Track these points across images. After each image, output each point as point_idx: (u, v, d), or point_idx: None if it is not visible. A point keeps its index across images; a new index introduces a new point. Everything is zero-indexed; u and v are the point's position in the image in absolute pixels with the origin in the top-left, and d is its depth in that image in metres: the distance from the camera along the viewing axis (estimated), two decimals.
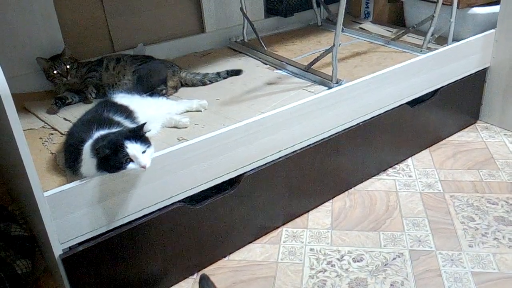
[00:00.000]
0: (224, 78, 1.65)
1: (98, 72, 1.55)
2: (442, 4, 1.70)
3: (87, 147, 1.06)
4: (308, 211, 1.51)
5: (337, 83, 1.51)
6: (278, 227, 1.45)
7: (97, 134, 1.08)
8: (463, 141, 1.85)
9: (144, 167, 1.02)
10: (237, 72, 1.67)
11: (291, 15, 2.10)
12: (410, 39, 1.90)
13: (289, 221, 1.47)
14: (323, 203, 1.55)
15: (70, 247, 1.06)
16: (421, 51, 1.76)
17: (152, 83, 1.48)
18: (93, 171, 1.04)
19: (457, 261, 1.30)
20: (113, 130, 1.10)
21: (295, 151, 1.38)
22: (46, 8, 1.56)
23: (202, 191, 1.23)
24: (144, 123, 1.07)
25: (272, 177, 1.36)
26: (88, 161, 1.04)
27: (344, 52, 1.82)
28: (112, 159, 1.01)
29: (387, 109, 1.57)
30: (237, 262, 1.33)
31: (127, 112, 1.24)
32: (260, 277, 1.28)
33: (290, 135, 1.35)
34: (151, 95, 1.43)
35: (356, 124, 1.50)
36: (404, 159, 1.75)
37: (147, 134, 1.09)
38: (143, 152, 1.03)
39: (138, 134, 1.05)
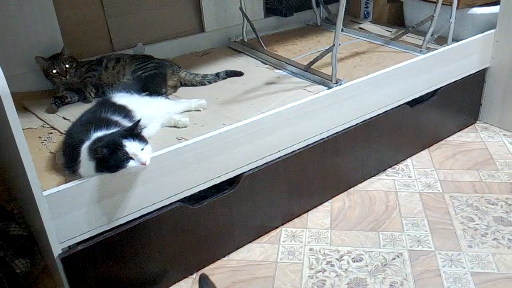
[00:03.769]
0: (223, 78, 1.64)
1: (97, 71, 1.55)
2: (442, 4, 1.70)
3: (85, 148, 1.06)
4: (308, 211, 1.51)
5: (336, 83, 1.51)
6: (277, 227, 1.45)
7: (95, 135, 1.08)
8: (462, 141, 1.85)
9: (144, 163, 1.02)
10: (236, 74, 1.66)
11: (291, 14, 2.10)
12: (409, 39, 1.90)
13: (289, 221, 1.47)
14: (322, 203, 1.54)
15: (69, 247, 1.06)
16: (420, 51, 1.76)
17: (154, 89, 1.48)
18: (92, 172, 1.04)
19: (456, 261, 1.29)
20: (112, 130, 1.10)
21: (295, 151, 1.38)
22: (45, 7, 1.55)
23: (202, 190, 1.23)
24: (139, 120, 1.07)
25: (272, 177, 1.36)
26: (86, 162, 1.04)
27: (343, 52, 1.82)
28: (111, 158, 1.01)
29: (386, 109, 1.57)
30: (237, 261, 1.33)
31: (125, 112, 1.24)
32: (259, 277, 1.28)
33: (290, 135, 1.35)
34: (150, 94, 1.43)
35: (355, 124, 1.50)
36: (404, 159, 1.75)
37: (146, 132, 1.09)
38: (142, 149, 1.03)
39: (135, 132, 1.05)
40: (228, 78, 1.65)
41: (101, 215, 1.07)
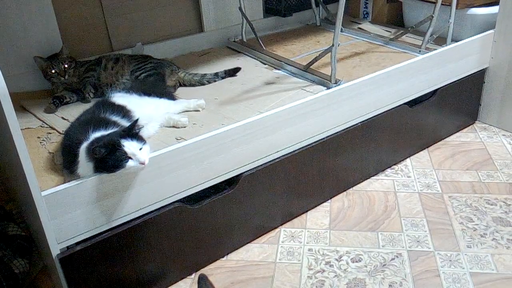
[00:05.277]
0: (223, 78, 1.64)
1: (96, 71, 1.54)
2: (441, 4, 1.70)
3: (83, 149, 1.05)
4: (307, 211, 1.51)
5: (335, 83, 1.51)
6: (276, 227, 1.45)
7: (94, 135, 1.08)
8: (461, 142, 1.85)
9: (143, 163, 1.02)
10: (234, 71, 1.66)
11: (290, 15, 2.10)
12: (409, 40, 1.90)
13: (288, 221, 1.47)
14: (321, 203, 1.54)
15: (67, 247, 1.05)
16: (420, 51, 1.76)
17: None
18: (90, 172, 1.03)
19: (455, 262, 1.29)
20: (110, 131, 1.10)
21: (294, 151, 1.38)
22: (44, 7, 1.55)
23: (200, 191, 1.23)
24: (137, 120, 1.07)
25: (271, 177, 1.36)
26: (84, 163, 1.04)
27: (343, 52, 1.82)
28: (110, 159, 1.00)
29: (386, 109, 1.57)
30: (236, 262, 1.33)
31: (124, 112, 1.24)
32: (258, 277, 1.28)
33: (289, 135, 1.35)
34: (149, 94, 1.43)
35: (354, 124, 1.50)
36: (403, 160, 1.75)
37: (144, 132, 1.09)
38: (140, 149, 1.03)
39: (133, 132, 1.05)
40: (228, 78, 1.65)
41: (100, 215, 1.07)
